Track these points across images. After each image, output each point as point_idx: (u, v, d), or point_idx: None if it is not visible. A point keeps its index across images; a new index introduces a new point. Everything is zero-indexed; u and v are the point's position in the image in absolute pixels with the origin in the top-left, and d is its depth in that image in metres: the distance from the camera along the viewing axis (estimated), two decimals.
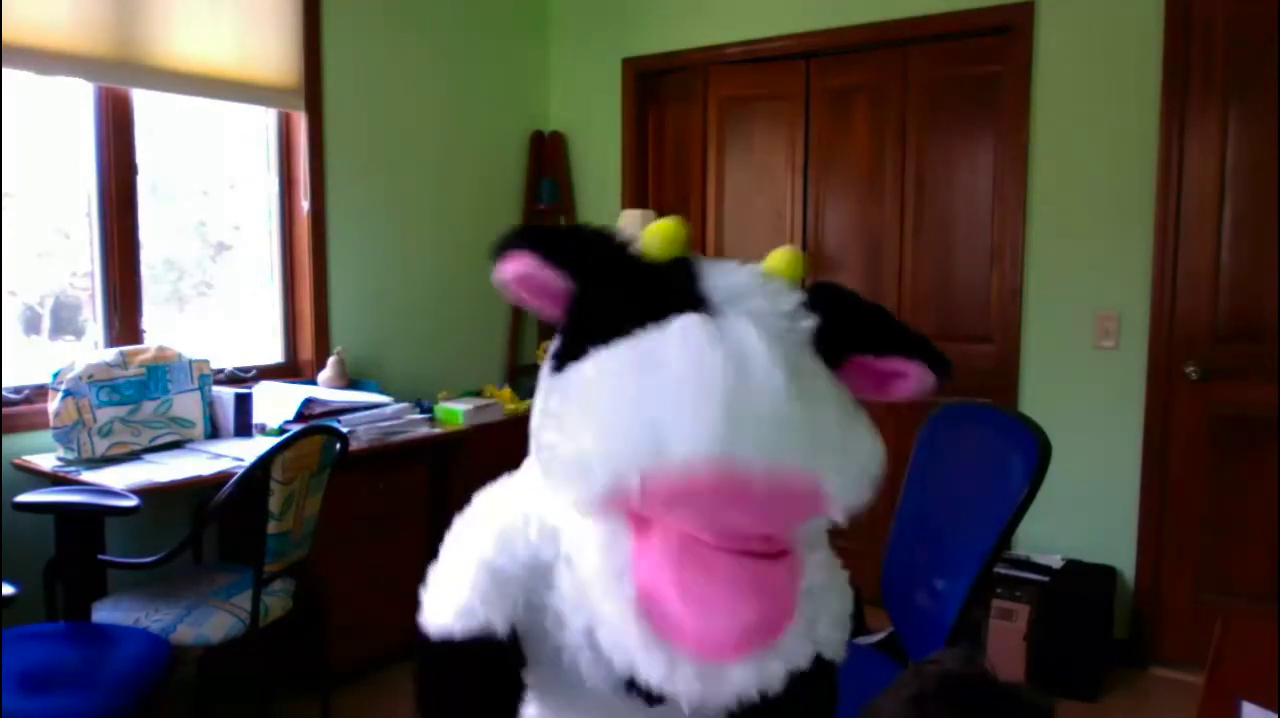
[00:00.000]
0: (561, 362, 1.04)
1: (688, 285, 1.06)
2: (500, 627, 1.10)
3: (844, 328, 1.10)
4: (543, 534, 1.11)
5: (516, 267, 1.09)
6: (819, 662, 1.14)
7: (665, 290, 1.05)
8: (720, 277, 1.08)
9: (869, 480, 1.01)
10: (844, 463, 0.98)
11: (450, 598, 1.13)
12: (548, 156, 4.33)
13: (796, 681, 1.06)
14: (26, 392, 2.73)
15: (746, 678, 0.99)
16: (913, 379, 1.18)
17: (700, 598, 0.96)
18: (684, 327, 0.98)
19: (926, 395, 1.20)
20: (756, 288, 1.07)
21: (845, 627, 1.20)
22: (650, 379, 0.95)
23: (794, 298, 1.08)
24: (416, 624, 1.16)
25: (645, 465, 0.90)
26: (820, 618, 1.11)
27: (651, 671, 0.98)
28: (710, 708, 1.02)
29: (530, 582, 1.11)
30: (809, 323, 1.06)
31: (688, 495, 0.92)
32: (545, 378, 1.07)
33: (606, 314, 1.04)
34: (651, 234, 1.13)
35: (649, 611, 0.98)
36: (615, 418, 0.93)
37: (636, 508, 0.96)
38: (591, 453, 0.93)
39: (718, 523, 0.97)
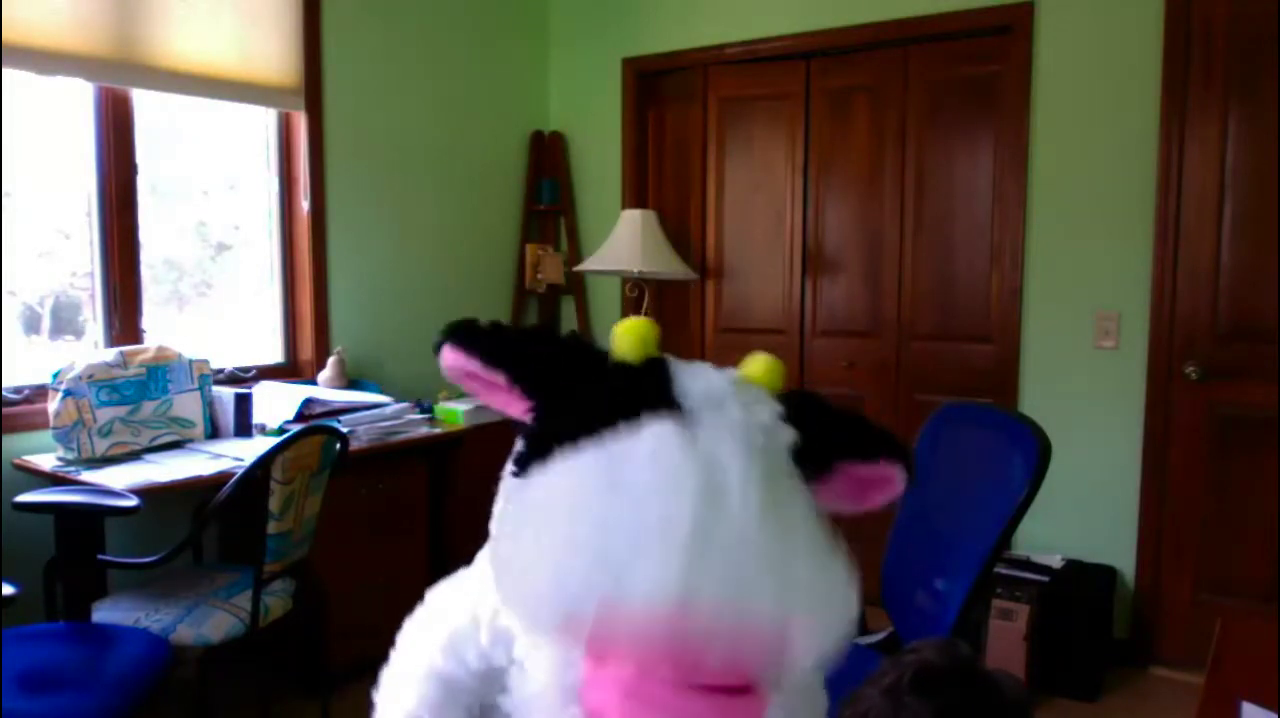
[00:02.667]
0: (525, 465, 0.98)
1: (660, 389, 1.00)
2: None
3: (826, 437, 1.04)
4: (495, 638, 1.07)
5: (446, 361, 1.03)
6: None
7: (636, 393, 0.98)
8: (694, 381, 1.02)
9: (842, 628, 0.92)
10: (816, 608, 0.90)
11: (401, 707, 1.11)
12: (548, 157, 4.33)
13: None
14: (26, 392, 2.73)
15: None
16: (895, 484, 1.11)
17: None
18: (656, 438, 0.91)
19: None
20: (732, 395, 1.00)
21: None
22: (613, 502, 0.87)
23: (772, 408, 1.02)
24: None
25: (601, 602, 0.83)
26: None
27: None
28: None
29: (483, 688, 1.09)
30: (787, 435, 1.00)
31: (645, 636, 0.85)
32: (506, 480, 1.01)
33: (574, 415, 0.98)
34: (622, 334, 1.07)
35: None
36: (573, 547, 0.86)
37: (590, 640, 0.88)
38: (544, 583, 0.86)
39: (676, 660, 0.88)
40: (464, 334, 1.03)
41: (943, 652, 0.90)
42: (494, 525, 0.99)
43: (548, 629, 0.89)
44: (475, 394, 1.07)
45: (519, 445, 1.02)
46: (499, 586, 0.93)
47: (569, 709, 0.94)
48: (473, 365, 1.02)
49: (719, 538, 0.84)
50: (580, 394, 1.01)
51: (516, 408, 1.05)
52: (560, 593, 0.84)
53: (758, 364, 1.09)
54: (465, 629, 1.09)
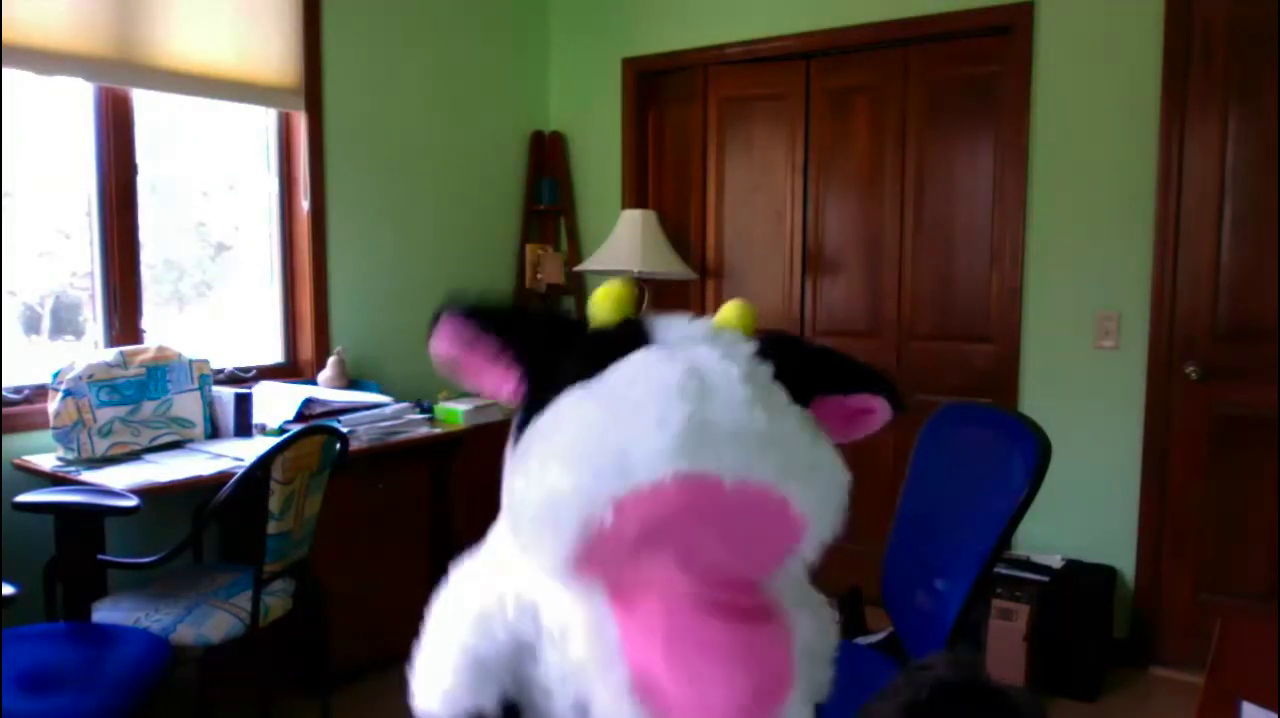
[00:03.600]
0: (524, 426, 1.03)
1: (640, 339, 1.05)
2: (491, 708, 1.09)
3: (804, 372, 1.09)
4: (521, 612, 1.10)
5: (442, 346, 1.08)
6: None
7: (619, 345, 1.04)
8: (672, 330, 1.08)
9: (839, 500, 0.98)
10: (813, 479, 0.96)
11: (436, 686, 1.13)
12: (548, 157, 4.33)
13: None
14: (26, 392, 2.73)
15: None
16: (879, 414, 1.15)
17: (694, 674, 0.94)
18: (641, 357, 0.97)
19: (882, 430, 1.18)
20: (709, 337, 1.07)
21: (831, 665, 1.17)
22: (611, 407, 0.93)
23: (748, 346, 1.08)
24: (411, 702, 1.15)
25: (615, 495, 0.87)
26: (817, 674, 1.08)
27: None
28: None
29: (513, 661, 1.10)
30: (766, 370, 1.05)
31: (660, 523, 0.89)
32: (510, 450, 1.05)
33: (563, 373, 1.02)
34: (599, 299, 1.12)
35: (644, 693, 0.95)
36: (579, 449, 0.90)
37: (611, 553, 0.92)
38: (559, 491, 0.90)
39: (694, 559, 0.93)
40: (458, 307, 1.09)
41: (957, 668, 0.90)
42: (505, 482, 1.03)
43: (571, 548, 0.91)
44: (465, 377, 1.11)
45: (515, 419, 1.06)
46: (516, 527, 0.97)
47: (615, 671, 0.97)
48: (466, 337, 1.07)
49: (715, 417, 0.90)
50: (564, 359, 1.05)
51: (505, 387, 1.10)
52: (576, 498, 0.88)
53: (730, 309, 1.15)
54: (491, 606, 1.11)
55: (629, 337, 1.06)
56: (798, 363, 1.09)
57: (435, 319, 1.09)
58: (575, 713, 1.07)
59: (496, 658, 1.10)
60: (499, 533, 1.17)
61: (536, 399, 1.03)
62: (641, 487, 0.88)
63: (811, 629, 1.08)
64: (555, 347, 1.07)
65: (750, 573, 0.98)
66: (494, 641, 1.10)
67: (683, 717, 0.95)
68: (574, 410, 0.95)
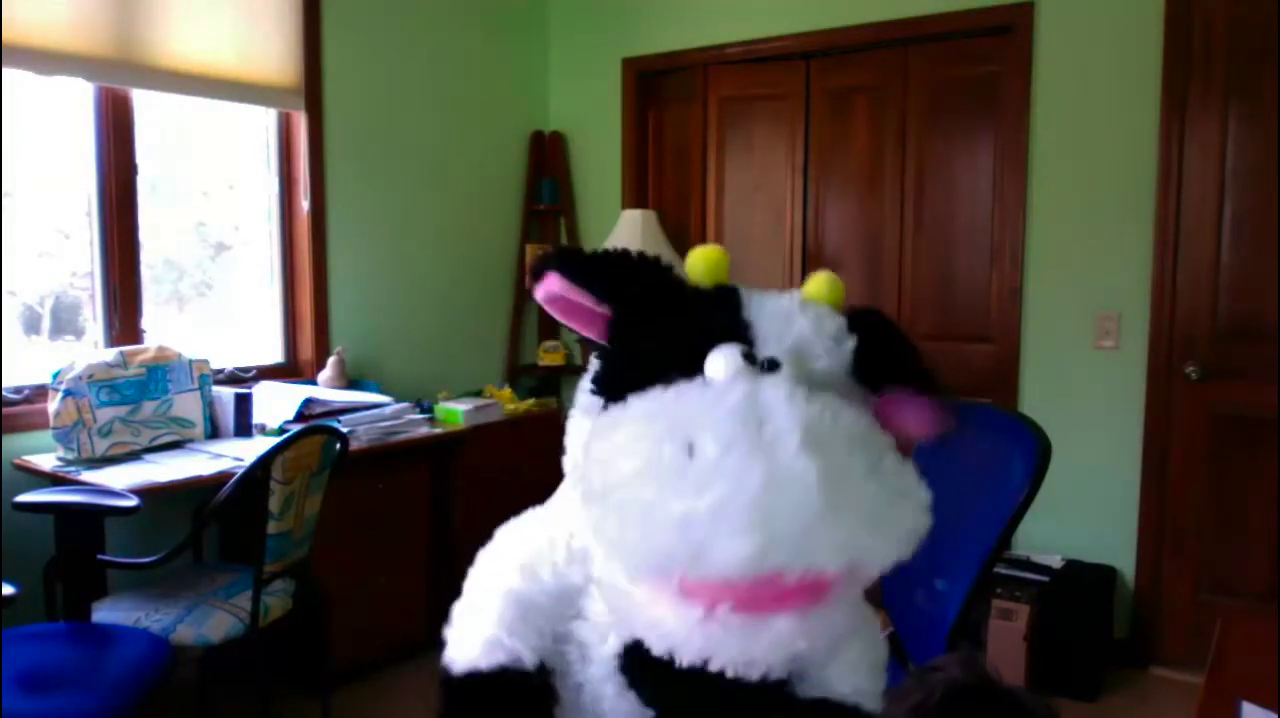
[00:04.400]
0: (604, 387, 1.05)
1: (731, 315, 1.07)
2: (528, 658, 1.08)
3: (882, 355, 1.12)
4: (571, 558, 1.10)
5: (549, 286, 1.10)
6: (859, 712, 1.13)
7: (709, 320, 1.06)
8: (762, 305, 1.09)
9: (910, 542, 1.00)
10: (883, 540, 0.96)
11: (475, 632, 1.10)
12: (548, 157, 4.33)
13: None
14: (26, 392, 2.73)
15: (790, 627, 0.94)
16: (927, 425, 1.17)
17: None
18: (723, 408, 0.93)
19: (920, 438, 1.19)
20: (798, 312, 1.09)
21: (881, 677, 1.19)
22: (685, 474, 0.90)
23: (837, 321, 1.11)
24: (438, 666, 1.13)
25: (684, 566, 0.89)
26: (853, 650, 1.11)
27: (692, 634, 0.94)
28: (755, 667, 0.98)
29: (557, 610, 1.10)
30: (850, 344, 1.09)
31: (725, 585, 0.91)
32: (585, 407, 1.07)
33: (649, 345, 1.05)
34: (695, 261, 1.14)
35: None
36: (655, 521, 0.90)
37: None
38: (633, 548, 0.91)
39: (753, 595, 0.94)
40: (566, 261, 1.11)
41: (968, 670, 0.90)
42: (576, 455, 1.05)
43: (635, 579, 0.94)
44: (559, 316, 1.13)
45: (596, 365, 1.10)
46: (592, 518, 0.97)
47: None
48: (568, 289, 1.09)
49: (785, 516, 0.89)
50: (657, 321, 1.08)
51: (596, 330, 1.12)
52: (648, 560, 0.90)
53: (819, 282, 1.17)
54: (542, 549, 1.11)
55: (721, 310, 1.08)
56: (882, 345, 1.12)
57: (535, 271, 1.11)
58: (610, 671, 1.07)
59: (543, 602, 1.09)
60: (560, 496, 1.18)
61: (620, 362, 1.06)
62: (713, 567, 0.89)
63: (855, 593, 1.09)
64: (648, 298, 1.10)
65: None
66: (540, 583, 1.10)
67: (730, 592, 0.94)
68: (654, 455, 0.92)
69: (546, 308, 1.13)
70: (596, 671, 1.09)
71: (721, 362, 1.01)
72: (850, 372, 1.08)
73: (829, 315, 1.11)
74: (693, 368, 1.01)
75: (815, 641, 0.99)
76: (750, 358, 1.02)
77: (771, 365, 1.02)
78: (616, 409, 0.99)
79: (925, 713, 0.86)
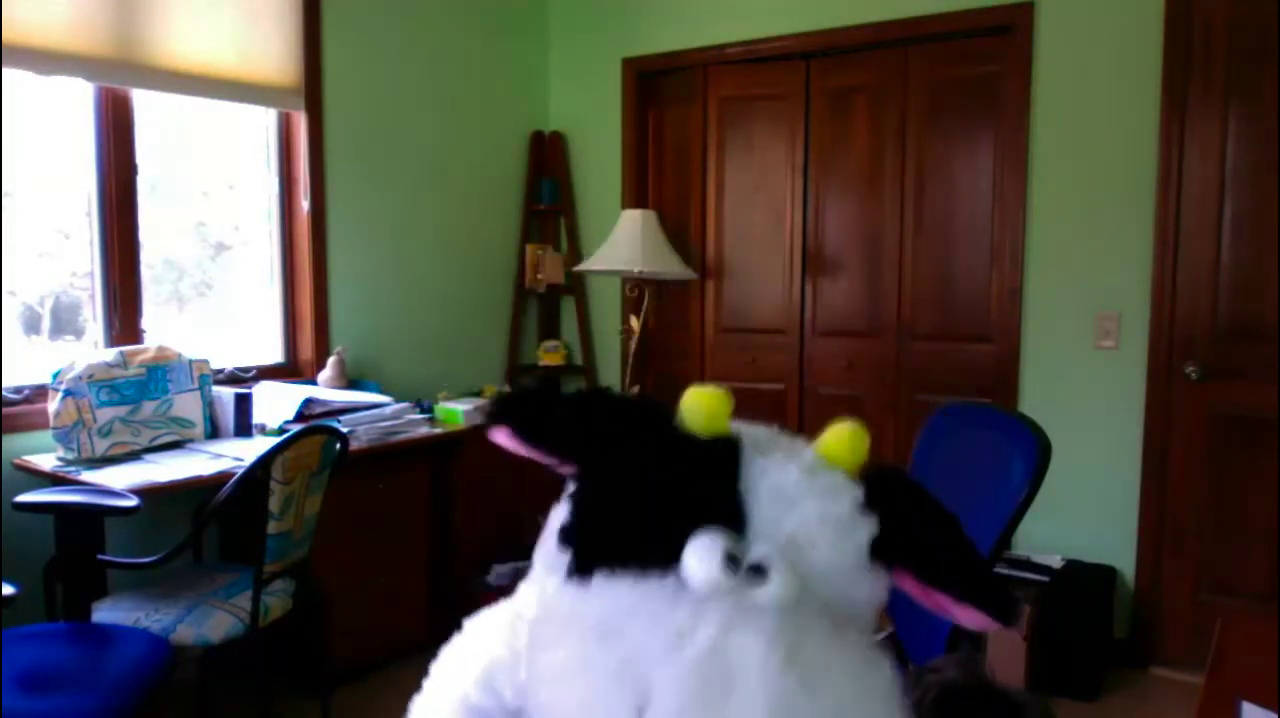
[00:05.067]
0: (570, 546, 0.94)
1: (723, 484, 0.93)
2: None
3: (905, 535, 0.96)
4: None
5: (499, 440, 0.99)
6: None
7: (696, 489, 0.93)
8: (764, 472, 0.94)
9: None
10: None
11: None
12: (548, 157, 4.33)
13: None
14: (26, 392, 2.73)
15: None
16: (962, 621, 1.01)
17: None
18: (683, 665, 0.84)
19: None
20: (804, 494, 0.93)
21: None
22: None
23: (849, 498, 0.95)
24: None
25: None
26: None
27: None
28: None
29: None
30: (866, 531, 0.93)
31: None
32: (547, 563, 0.97)
33: (624, 506, 0.93)
34: (692, 405, 0.98)
35: None
36: None
37: None
38: None
39: None
40: (511, 415, 0.99)
41: (965, 670, 0.90)
42: (532, 598, 0.97)
43: None
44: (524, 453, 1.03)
45: (563, 511, 0.97)
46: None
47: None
48: (521, 448, 0.99)
49: None
50: (640, 471, 0.95)
51: (561, 468, 1.02)
52: None
53: (838, 440, 0.98)
54: (503, 661, 1.02)
55: (712, 479, 0.94)
56: (904, 523, 0.97)
57: (488, 419, 1.02)
58: None
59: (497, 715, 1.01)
60: (522, 594, 1.09)
61: (589, 520, 0.95)
62: None
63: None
64: (617, 440, 0.98)
65: None
66: (499, 699, 1.01)
67: None
68: (601, 691, 0.86)
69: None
70: None
71: (698, 564, 0.87)
72: (865, 554, 0.94)
73: (842, 491, 0.95)
74: (670, 548, 0.89)
75: None
76: (734, 560, 0.87)
77: (758, 571, 0.87)
78: (573, 595, 0.91)
79: (921, 712, 0.87)
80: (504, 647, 1.03)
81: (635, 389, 4.04)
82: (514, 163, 4.24)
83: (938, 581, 0.96)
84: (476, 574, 3.43)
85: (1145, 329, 3.14)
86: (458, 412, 3.38)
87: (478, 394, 3.78)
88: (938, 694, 0.87)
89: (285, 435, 2.36)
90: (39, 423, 2.66)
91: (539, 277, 4.23)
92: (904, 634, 1.86)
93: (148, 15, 2.90)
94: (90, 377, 2.61)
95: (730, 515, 0.90)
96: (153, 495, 2.36)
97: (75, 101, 2.84)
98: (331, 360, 3.35)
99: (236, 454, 2.65)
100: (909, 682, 0.91)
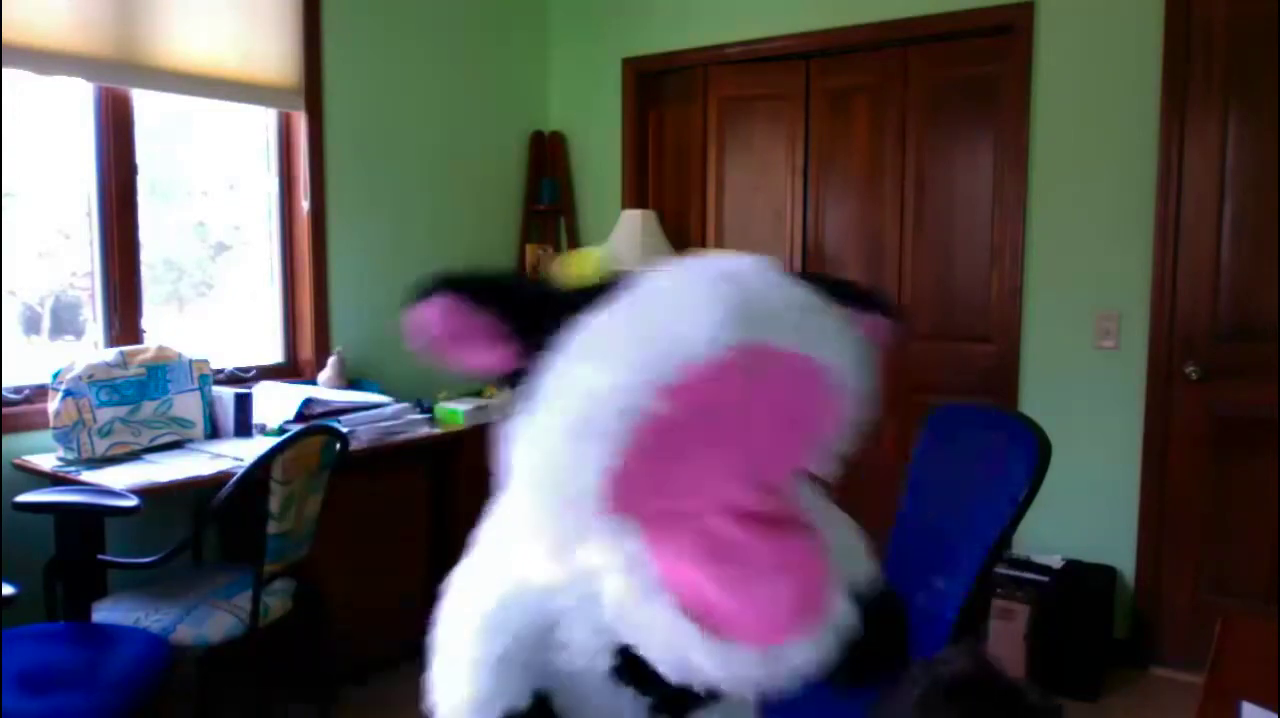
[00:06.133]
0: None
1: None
2: (522, 705, 1.08)
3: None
4: (535, 600, 1.09)
5: (444, 314, 1.02)
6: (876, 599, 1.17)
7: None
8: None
9: (864, 372, 1.05)
10: (844, 348, 1.02)
11: (461, 694, 1.09)
12: (548, 157, 4.33)
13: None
14: (26, 392, 2.73)
15: (805, 654, 0.97)
16: (883, 330, 1.20)
17: (740, 586, 0.95)
18: (662, 270, 0.99)
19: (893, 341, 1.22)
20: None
21: (870, 559, 1.25)
22: (644, 306, 0.94)
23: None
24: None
25: (662, 381, 0.87)
26: (855, 573, 1.13)
27: (713, 667, 0.96)
28: (771, 689, 1.00)
29: (536, 653, 1.09)
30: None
31: (716, 403, 0.91)
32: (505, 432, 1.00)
33: (559, 329, 0.97)
34: (579, 261, 1.14)
35: (695, 612, 0.96)
36: (616, 345, 0.90)
37: (655, 457, 0.90)
38: (596, 391, 0.88)
39: (743, 447, 0.96)
40: (450, 282, 1.03)
41: (972, 662, 0.91)
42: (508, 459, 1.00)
43: (611, 472, 0.89)
44: (453, 355, 1.05)
45: (516, 390, 1.01)
46: (540, 469, 0.95)
47: (662, 598, 0.96)
48: (461, 313, 1.01)
49: (758, 296, 0.93)
50: (559, 314, 0.99)
51: (497, 361, 1.04)
52: (614, 400, 0.88)
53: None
54: (507, 599, 1.09)
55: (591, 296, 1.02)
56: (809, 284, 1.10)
57: (422, 294, 1.02)
58: (611, 679, 1.08)
59: (518, 652, 1.08)
60: (493, 533, 1.18)
61: (534, 372, 0.99)
62: (695, 365, 0.88)
63: (845, 535, 1.13)
64: (555, 315, 1.00)
65: (794, 460, 1.02)
66: (512, 634, 1.08)
67: (737, 628, 0.94)
68: (598, 321, 0.93)
69: (437, 349, 1.05)
70: (591, 681, 1.09)
71: None
72: None
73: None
74: None
75: (831, 652, 1.00)
76: None
77: None
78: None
79: (930, 704, 0.87)
80: (505, 583, 1.09)
81: None
82: (514, 163, 4.24)
83: (847, 302, 1.12)
84: None
85: (1145, 329, 3.14)
86: (458, 412, 3.37)
87: (478, 394, 3.78)
88: (949, 686, 0.87)
89: (285, 435, 2.36)
90: (39, 423, 2.66)
91: (539, 277, 4.23)
92: None
93: (148, 15, 2.90)
94: (90, 377, 2.61)
95: None
96: (153, 496, 2.36)
97: (75, 101, 2.84)
98: (331, 360, 3.35)
99: (236, 454, 2.65)
100: (916, 673, 0.92)
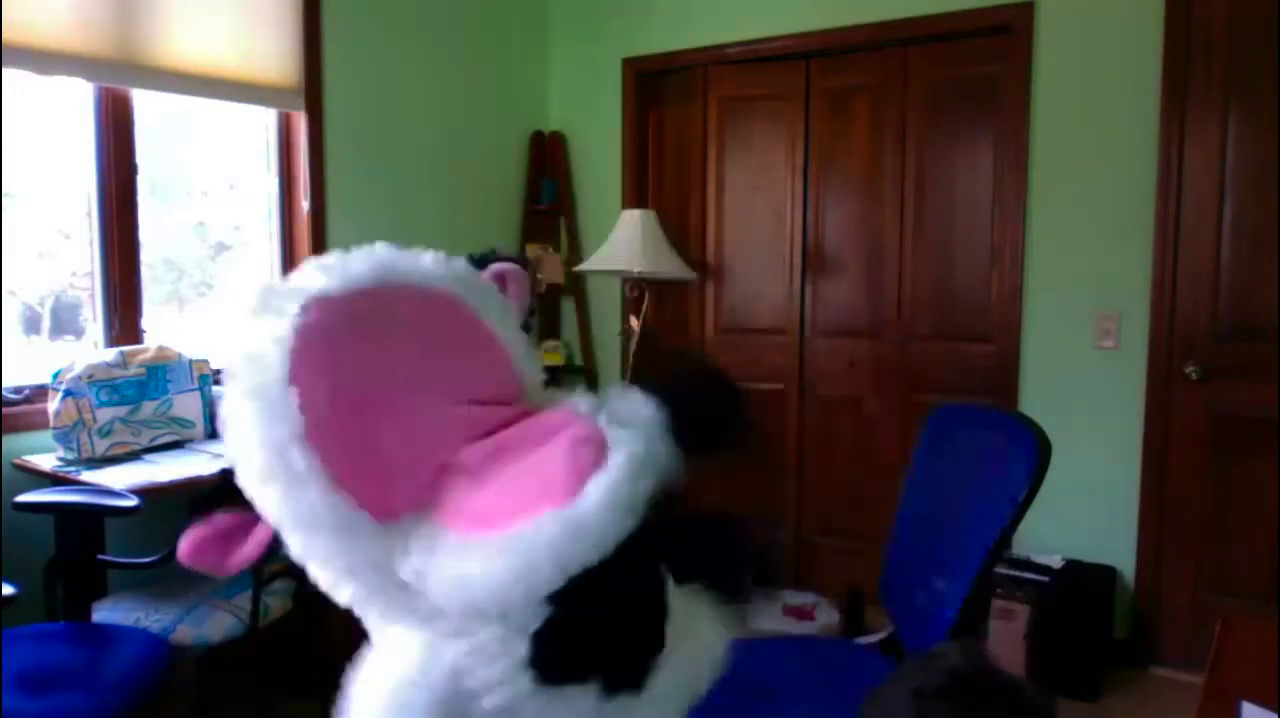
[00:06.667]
0: None
1: None
2: None
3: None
4: (428, 678, 1.09)
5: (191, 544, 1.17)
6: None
7: None
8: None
9: (485, 285, 1.28)
10: (449, 274, 1.24)
11: None
12: (548, 157, 4.33)
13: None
14: (26, 392, 2.73)
15: (599, 492, 1.00)
16: (516, 278, 1.38)
17: (520, 482, 1.04)
18: None
19: None
20: None
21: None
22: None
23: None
24: None
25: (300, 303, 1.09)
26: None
27: (519, 556, 0.99)
28: (595, 544, 1.01)
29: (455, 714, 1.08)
30: None
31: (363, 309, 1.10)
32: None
33: None
34: None
35: (485, 523, 1.03)
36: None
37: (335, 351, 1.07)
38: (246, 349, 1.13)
39: (436, 407, 1.10)
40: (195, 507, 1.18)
41: (968, 657, 0.91)
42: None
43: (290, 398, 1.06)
44: (221, 562, 1.19)
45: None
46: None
47: (447, 537, 1.04)
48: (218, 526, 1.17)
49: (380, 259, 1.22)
50: None
51: (254, 548, 1.16)
52: (261, 341, 1.12)
53: None
54: (405, 695, 1.11)
55: None
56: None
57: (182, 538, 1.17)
58: (544, 693, 1.07)
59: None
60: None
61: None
62: (299, 311, 1.06)
63: (573, 399, 1.16)
64: None
65: (488, 379, 1.18)
66: (424, 708, 1.07)
67: (547, 508, 0.98)
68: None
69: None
70: (526, 710, 1.07)
71: None
72: None
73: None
74: None
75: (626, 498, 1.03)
76: None
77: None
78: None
79: (926, 698, 0.87)
80: (402, 665, 1.12)
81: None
82: (514, 163, 4.24)
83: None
84: None
85: (1145, 329, 3.14)
86: None
87: None
88: (944, 680, 0.87)
89: None
90: (39, 423, 2.66)
91: (539, 277, 4.23)
92: (904, 634, 1.86)
93: (148, 15, 2.90)
94: (90, 377, 2.61)
95: None
96: (153, 495, 2.36)
97: (75, 101, 2.84)
98: None
99: None
100: (912, 667, 0.92)
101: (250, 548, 1.11)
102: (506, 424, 1.10)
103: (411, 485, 1.05)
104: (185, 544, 1.13)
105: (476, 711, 1.07)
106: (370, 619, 1.14)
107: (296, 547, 1.05)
